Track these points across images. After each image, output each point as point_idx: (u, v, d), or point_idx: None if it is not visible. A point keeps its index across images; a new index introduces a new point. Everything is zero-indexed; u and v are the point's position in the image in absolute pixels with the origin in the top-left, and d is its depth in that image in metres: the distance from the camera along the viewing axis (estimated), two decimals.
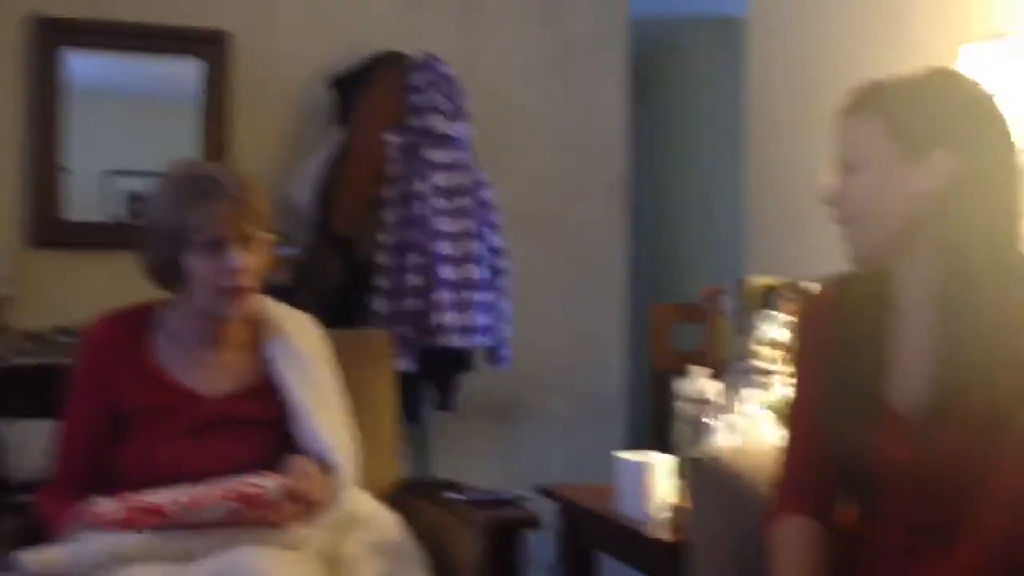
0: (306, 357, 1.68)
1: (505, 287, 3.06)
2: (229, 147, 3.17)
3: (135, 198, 3.12)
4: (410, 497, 1.81)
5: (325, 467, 1.59)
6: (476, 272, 2.97)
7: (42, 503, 1.60)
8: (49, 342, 2.88)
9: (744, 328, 2.15)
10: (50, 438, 1.65)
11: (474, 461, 3.19)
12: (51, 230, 3.04)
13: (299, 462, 1.56)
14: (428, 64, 3.08)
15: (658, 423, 2.57)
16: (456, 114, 3.09)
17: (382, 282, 2.96)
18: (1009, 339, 1.20)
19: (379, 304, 2.94)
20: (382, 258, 2.97)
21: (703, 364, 2.13)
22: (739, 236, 3.03)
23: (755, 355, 1.95)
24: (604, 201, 3.61)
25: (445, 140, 3.04)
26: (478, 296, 2.97)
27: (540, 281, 3.42)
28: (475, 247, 3.00)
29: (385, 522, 1.63)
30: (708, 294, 2.63)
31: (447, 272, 2.93)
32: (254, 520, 1.46)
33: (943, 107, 1.24)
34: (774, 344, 1.96)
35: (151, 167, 2.90)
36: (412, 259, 2.95)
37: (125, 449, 1.58)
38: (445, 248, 2.95)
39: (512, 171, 3.35)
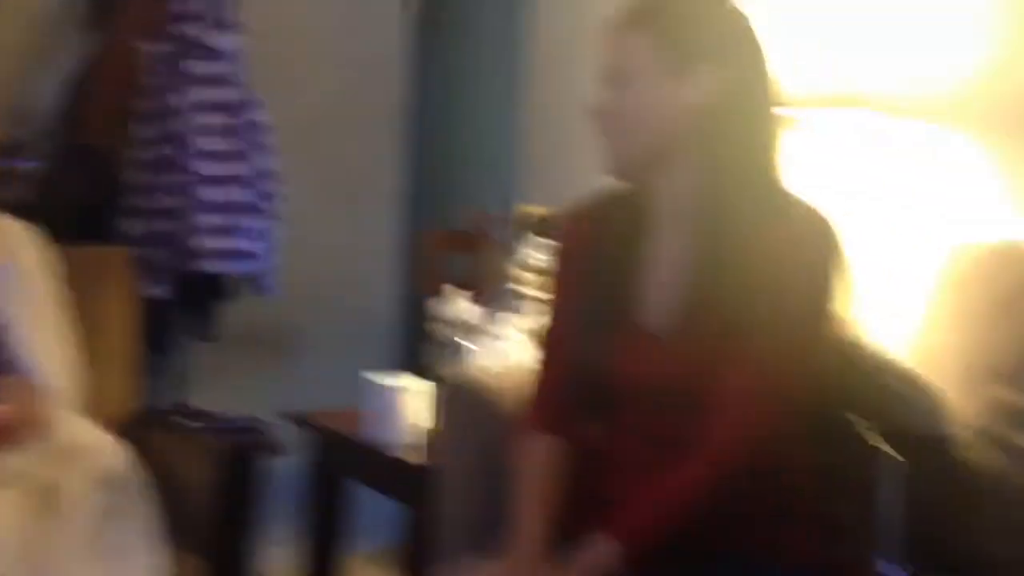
0: (20, 270, 1.50)
1: (275, 212, 2.89)
2: None
3: None
4: (143, 426, 1.67)
5: (36, 389, 1.43)
6: (241, 195, 2.79)
7: None
8: None
9: (511, 255, 2.11)
10: None
11: (238, 391, 3.01)
12: None
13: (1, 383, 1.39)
14: None
15: (418, 347, 2.53)
16: (223, 25, 2.87)
17: (134, 201, 2.73)
18: (753, 259, 1.21)
19: (130, 225, 2.71)
20: (135, 176, 2.74)
21: (471, 290, 2.09)
22: (513, 163, 3.00)
23: (518, 280, 1.91)
24: (380, 124, 3.50)
25: (210, 52, 2.82)
26: (242, 220, 2.79)
27: (312, 204, 3.26)
28: (242, 168, 2.82)
29: (109, 452, 1.49)
30: (476, 220, 2.58)
31: (208, 194, 2.73)
32: None
33: (709, 23, 1.27)
34: (536, 269, 1.93)
35: None
36: (168, 178, 2.73)
37: None
38: (207, 168, 2.75)
39: (286, 90, 3.16)
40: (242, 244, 2.78)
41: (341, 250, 3.38)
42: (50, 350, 1.49)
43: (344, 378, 3.31)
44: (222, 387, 3.00)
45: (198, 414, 1.78)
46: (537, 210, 2.28)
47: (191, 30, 2.79)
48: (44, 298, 1.53)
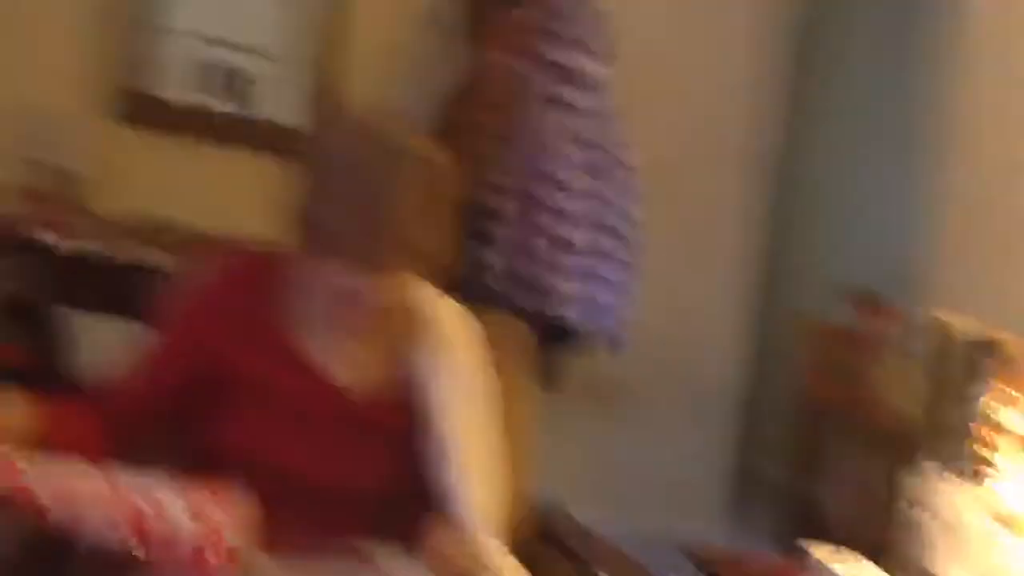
0: (456, 366, 1.35)
1: (634, 261, 2.69)
2: (345, 44, 2.84)
3: (231, 75, 2.79)
4: (537, 544, 1.49)
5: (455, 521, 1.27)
6: (606, 241, 2.61)
7: None
8: (135, 232, 2.60)
9: (947, 389, 1.79)
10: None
11: (567, 448, 2.88)
12: (142, 106, 2.72)
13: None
14: None
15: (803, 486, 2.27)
16: (601, 54, 2.69)
17: (496, 231, 2.57)
18: None
19: (492, 257, 2.56)
20: (498, 203, 2.58)
21: (862, 406, 1.79)
22: (907, 248, 2.64)
23: (975, 439, 1.60)
24: (741, 172, 3.22)
25: (586, 82, 2.65)
26: (604, 269, 2.61)
27: (657, 253, 3.04)
28: (606, 212, 2.64)
29: None
30: (866, 313, 2.26)
31: (574, 235, 2.57)
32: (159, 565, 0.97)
33: None
34: (1000, 429, 1.60)
35: (256, 42, 2.75)
36: (533, 214, 2.57)
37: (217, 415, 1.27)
38: (573, 208, 2.59)
39: (640, 126, 2.93)
40: (602, 295, 2.60)
41: (686, 306, 3.16)
42: (474, 465, 1.32)
43: (678, 447, 3.09)
44: (552, 442, 2.87)
45: (586, 536, 1.60)
46: (971, 328, 1.94)
47: (569, 56, 2.62)
48: (474, 396, 1.37)
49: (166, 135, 2.75)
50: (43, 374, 2.47)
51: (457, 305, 1.42)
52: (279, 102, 2.86)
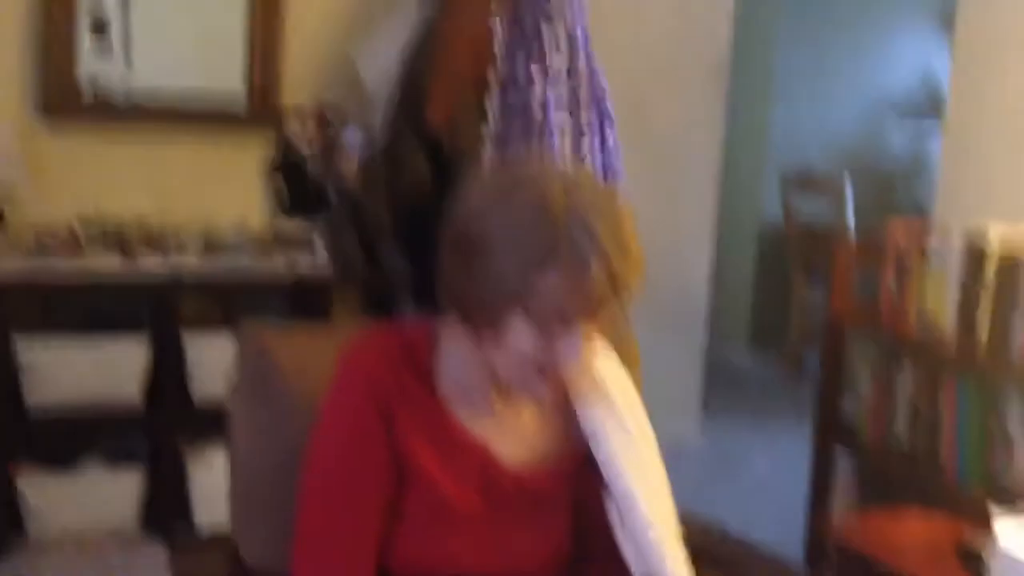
0: (628, 422, 1.23)
1: (613, 185, 2.59)
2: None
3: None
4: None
5: None
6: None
7: None
8: (69, 241, 2.33)
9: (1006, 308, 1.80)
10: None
11: None
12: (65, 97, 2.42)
13: None
14: None
15: (830, 396, 2.29)
16: None
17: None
18: None
19: None
20: (483, 151, 2.42)
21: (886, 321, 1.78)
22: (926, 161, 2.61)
23: None
24: (703, 91, 3.15)
25: (564, 14, 2.48)
26: None
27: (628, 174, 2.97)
28: (589, 145, 2.51)
29: None
30: (902, 233, 2.24)
31: None
32: None
33: None
34: None
35: None
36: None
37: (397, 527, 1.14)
38: (558, 146, 2.45)
39: (606, 48, 2.80)
40: None
41: (655, 231, 3.10)
42: (666, 531, 1.22)
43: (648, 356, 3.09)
44: None
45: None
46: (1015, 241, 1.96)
47: None
48: (650, 451, 1.26)
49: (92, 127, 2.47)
50: None
51: (611, 353, 1.28)
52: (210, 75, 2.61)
